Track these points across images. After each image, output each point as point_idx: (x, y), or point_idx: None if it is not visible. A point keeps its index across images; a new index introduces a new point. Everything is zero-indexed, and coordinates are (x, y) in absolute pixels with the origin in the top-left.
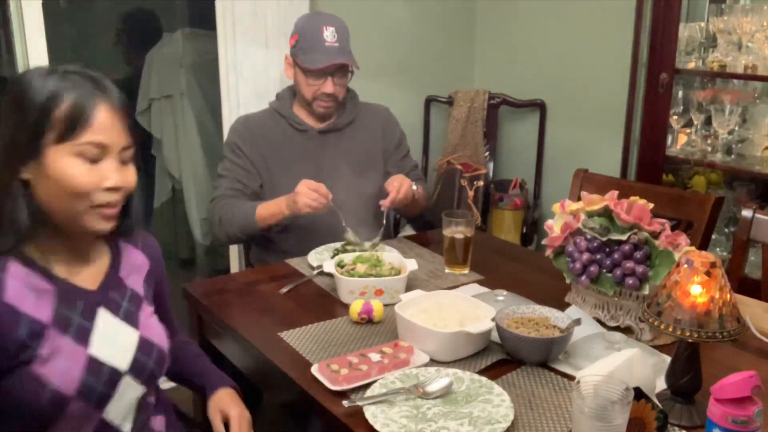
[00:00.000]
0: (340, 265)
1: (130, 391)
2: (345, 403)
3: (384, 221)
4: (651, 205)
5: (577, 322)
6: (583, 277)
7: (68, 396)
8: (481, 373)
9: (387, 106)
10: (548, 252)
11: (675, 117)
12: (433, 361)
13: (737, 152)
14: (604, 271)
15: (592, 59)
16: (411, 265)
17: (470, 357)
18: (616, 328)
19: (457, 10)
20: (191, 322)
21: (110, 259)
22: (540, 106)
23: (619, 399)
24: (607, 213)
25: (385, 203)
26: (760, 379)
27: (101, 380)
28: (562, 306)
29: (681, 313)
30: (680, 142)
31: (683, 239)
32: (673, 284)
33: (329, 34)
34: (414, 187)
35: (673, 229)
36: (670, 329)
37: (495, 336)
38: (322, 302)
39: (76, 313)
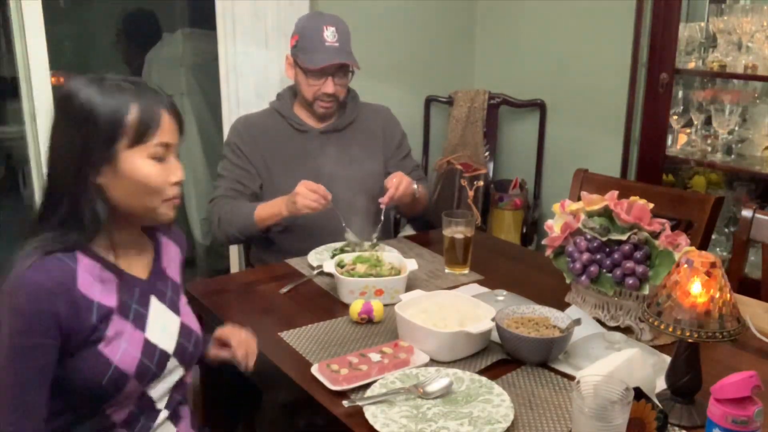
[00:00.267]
0: (340, 265)
1: (173, 373)
2: (345, 403)
3: (382, 218)
4: (651, 205)
5: (577, 322)
6: (583, 277)
7: (128, 375)
8: (481, 373)
9: (388, 107)
10: (548, 252)
11: (675, 117)
12: (433, 361)
13: (737, 152)
14: (604, 271)
15: (592, 59)
16: (411, 265)
17: (470, 357)
18: (616, 328)
19: (457, 10)
20: None
21: (153, 251)
22: (540, 106)
23: (619, 399)
24: (607, 213)
25: (384, 200)
26: (760, 379)
27: (154, 362)
28: (562, 306)
29: (681, 313)
30: (680, 142)
31: (683, 239)
32: (673, 284)
33: (329, 34)
34: (414, 186)
35: (673, 229)
36: (670, 329)
37: (495, 336)
38: (322, 302)
39: (133, 300)
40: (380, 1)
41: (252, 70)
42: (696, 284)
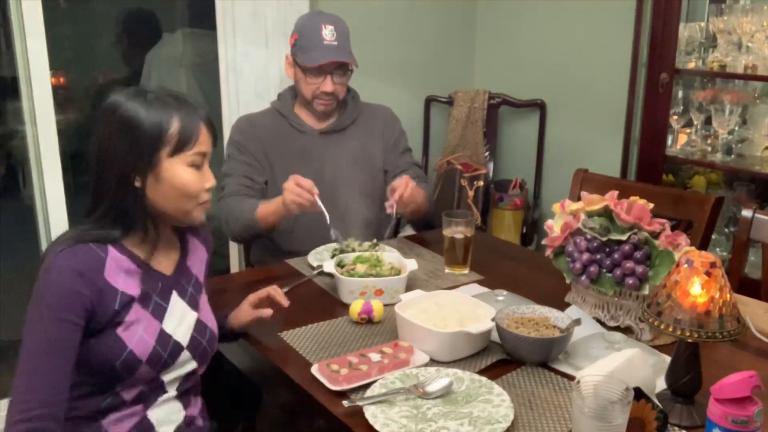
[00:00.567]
0: (340, 265)
1: (185, 365)
2: (345, 403)
3: (394, 217)
4: (651, 205)
5: (577, 322)
6: (583, 277)
7: (141, 360)
8: (481, 373)
9: (389, 107)
10: (548, 252)
11: (675, 117)
12: (433, 361)
13: (737, 152)
14: (604, 271)
15: (592, 59)
16: (411, 265)
17: (470, 357)
18: (616, 328)
19: (457, 10)
20: None
21: (180, 250)
22: (540, 106)
23: (619, 399)
24: (607, 213)
25: (390, 204)
26: (760, 379)
27: (167, 351)
28: (562, 306)
29: (681, 313)
30: (680, 142)
31: (683, 239)
32: (673, 284)
33: (328, 33)
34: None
35: (673, 229)
36: (670, 329)
37: (495, 336)
38: (322, 302)
39: (155, 293)
40: (380, 1)
41: (252, 70)
42: (696, 284)
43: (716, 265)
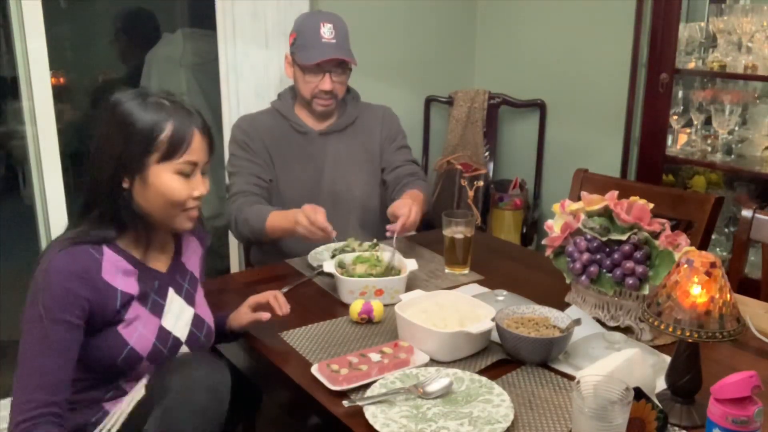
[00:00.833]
0: (340, 265)
1: None
2: (345, 403)
3: (394, 242)
4: (651, 205)
5: (577, 322)
6: (583, 277)
7: (141, 356)
8: (481, 373)
9: (389, 106)
10: (548, 252)
11: (675, 117)
12: (433, 361)
13: (737, 152)
14: (604, 271)
15: (592, 59)
16: (411, 265)
17: (470, 357)
18: (616, 328)
19: (457, 10)
20: None
21: (175, 247)
22: (540, 106)
23: (619, 399)
24: (607, 213)
25: (394, 228)
26: (760, 379)
27: (167, 347)
28: (562, 306)
29: (681, 313)
30: (680, 142)
31: (683, 239)
32: (673, 284)
33: (326, 31)
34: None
35: (673, 229)
36: (670, 329)
37: (495, 336)
38: (322, 302)
39: (153, 291)
40: (380, 1)
41: (252, 70)
42: (696, 284)
43: (716, 265)
